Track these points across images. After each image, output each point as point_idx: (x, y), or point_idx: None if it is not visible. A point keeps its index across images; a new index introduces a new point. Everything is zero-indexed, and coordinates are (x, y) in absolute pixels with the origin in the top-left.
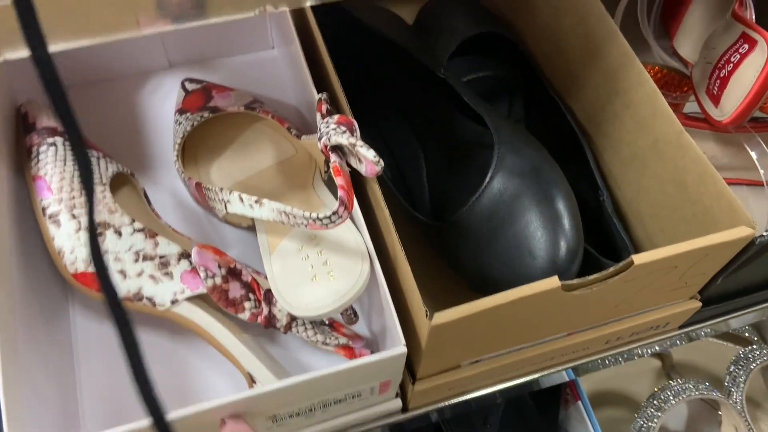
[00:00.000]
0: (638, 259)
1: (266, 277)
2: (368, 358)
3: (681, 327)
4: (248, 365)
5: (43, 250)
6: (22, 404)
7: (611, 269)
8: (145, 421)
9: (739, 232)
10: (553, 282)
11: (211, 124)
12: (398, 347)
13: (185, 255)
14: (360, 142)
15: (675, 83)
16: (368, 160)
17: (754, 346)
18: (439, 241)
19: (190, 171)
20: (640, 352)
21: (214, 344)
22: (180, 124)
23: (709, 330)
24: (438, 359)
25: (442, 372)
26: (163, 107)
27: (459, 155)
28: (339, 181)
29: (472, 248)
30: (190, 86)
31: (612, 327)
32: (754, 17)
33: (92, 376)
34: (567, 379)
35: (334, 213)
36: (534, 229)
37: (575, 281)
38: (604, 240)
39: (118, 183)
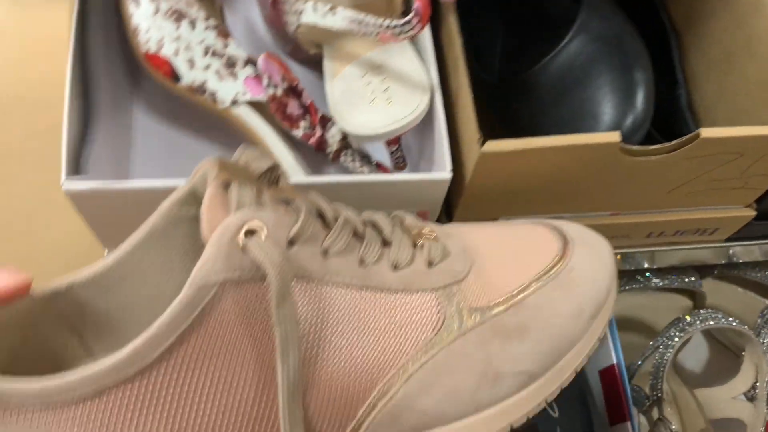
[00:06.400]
0: (706, 132)
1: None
2: (411, 175)
3: (728, 240)
4: (295, 179)
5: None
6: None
7: (675, 142)
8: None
9: None
10: (614, 136)
11: None
12: (443, 172)
13: (252, 62)
14: None
15: None
16: None
17: None
18: (501, 102)
19: None
20: (678, 255)
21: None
22: None
23: (756, 250)
24: (476, 205)
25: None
26: None
27: (538, 23)
28: None
29: (535, 108)
30: None
31: (658, 216)
32: None
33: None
34: None
35: (407, 22)
36: (603, 94)
37: (636, 147)
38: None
39: None
